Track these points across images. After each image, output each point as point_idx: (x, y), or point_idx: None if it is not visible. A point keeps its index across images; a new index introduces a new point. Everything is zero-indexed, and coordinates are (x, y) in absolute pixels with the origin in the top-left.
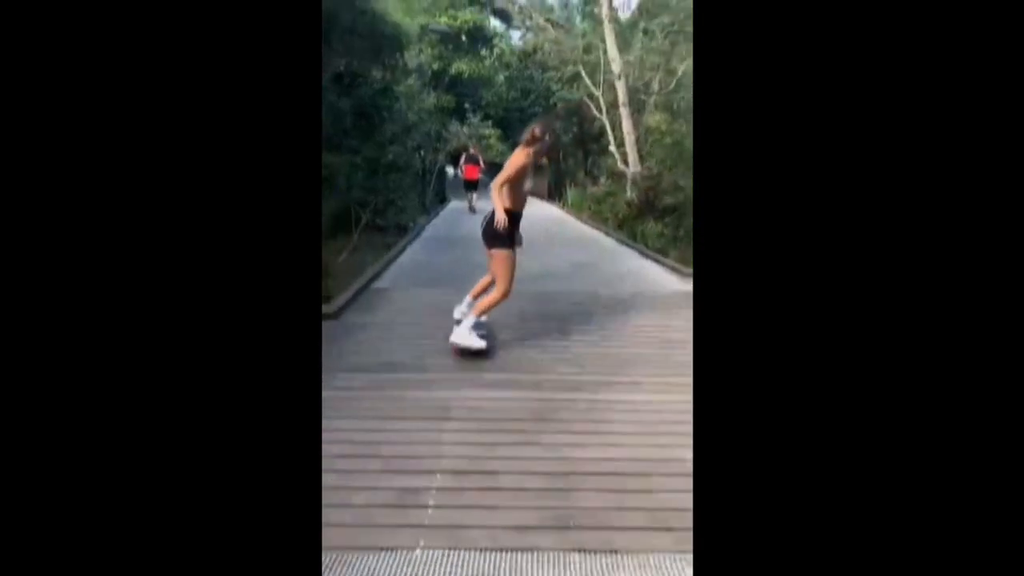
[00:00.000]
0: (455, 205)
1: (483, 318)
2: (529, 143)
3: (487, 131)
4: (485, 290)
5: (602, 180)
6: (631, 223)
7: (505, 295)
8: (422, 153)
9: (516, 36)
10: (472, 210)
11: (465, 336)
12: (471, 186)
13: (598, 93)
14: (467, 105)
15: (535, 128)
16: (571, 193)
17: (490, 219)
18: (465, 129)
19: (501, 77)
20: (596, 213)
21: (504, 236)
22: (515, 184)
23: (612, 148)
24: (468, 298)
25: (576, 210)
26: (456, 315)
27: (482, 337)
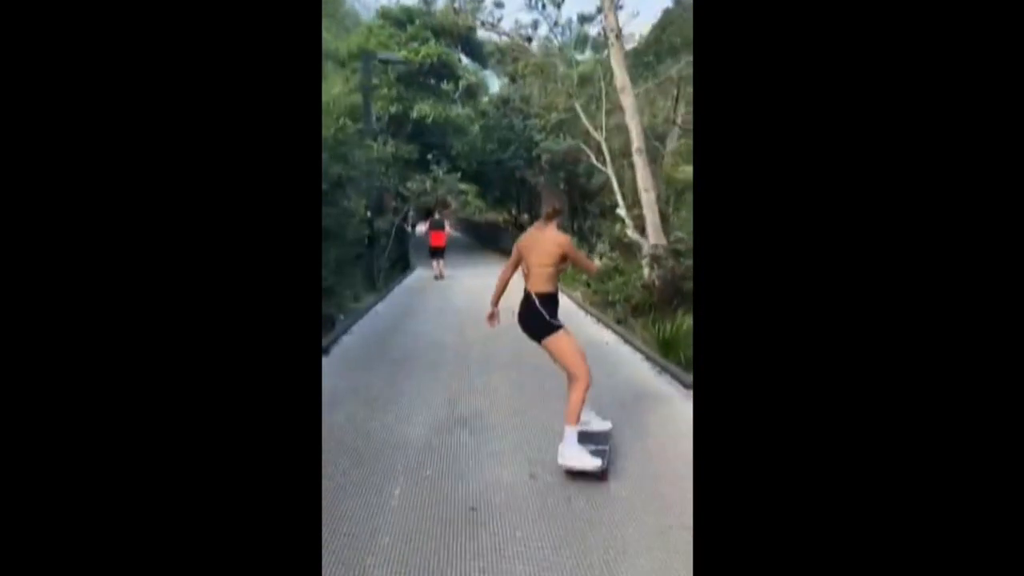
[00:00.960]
0: (421, 274)
1: (582, 421)
2: (551, 216)
3: (464, 186)
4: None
5: (601, 251)
6: (650, 314)
7: (587, 378)
8: (369, 214)
9: (494, 80)
10: (439, 277)
11: (574, 454)
12: (438, 253)
13: (600, 137)
14: (432, 156)
15: (555, 201)
16: None
17: (530, 308)
18: (431, 183)
19: (476, 127)
20: (597, 295)
21: (552, 319)
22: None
23: (621, 211)
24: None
25: (567, 287)
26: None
27: (597, 453)
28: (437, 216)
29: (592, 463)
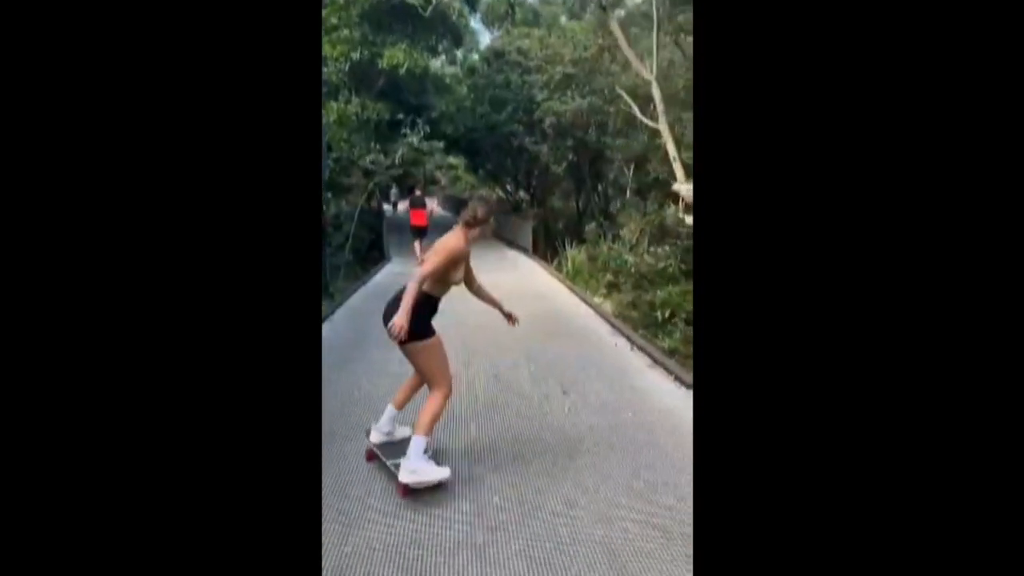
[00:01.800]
0: (397, 269)
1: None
2: (470, 224)
3: (452, 159)
4: (409, 397)
5: (615, 252)
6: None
7: (448, 393)
8: (328, 196)
9: (484, 35)
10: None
11: (419, 469)
12: (419, 233)
13: (650, 75)
14: (408, 118)
15: (479, 209)
16: (572, 255)
17: (394, 309)
18: (404, 152)
19: (464, 87)
20: (637, 309)
21: (423, 323)
22: (445, 273)
23: (682, 187)
24: (391, 410)
25: (579, 283)
26: (374, 438)
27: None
28: (418, 193)
29: (439, 474)
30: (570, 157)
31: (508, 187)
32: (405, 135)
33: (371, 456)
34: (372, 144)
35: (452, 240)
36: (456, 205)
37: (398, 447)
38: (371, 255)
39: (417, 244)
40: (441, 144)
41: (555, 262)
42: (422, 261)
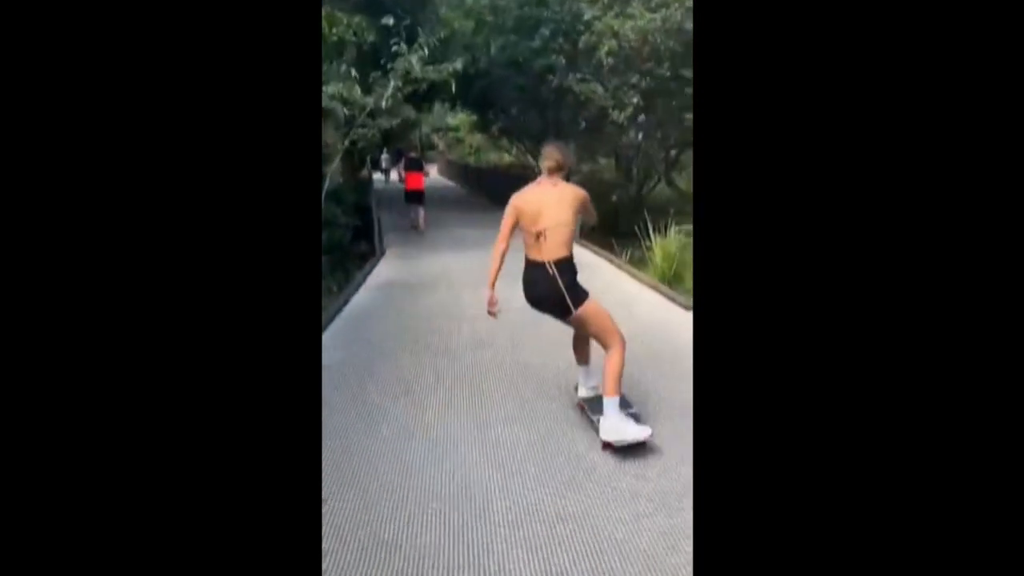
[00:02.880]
0: (388, 273)
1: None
2: (558, 169)
3: (457, 118)
4: (587, 349)
5: None
6: None
7: (623, 344)
8: None
9: None
10: (416, 227)
11: (618, 427)
12: (417, 198)
13: None
14: (395, 40)
15: (555, 152)
16: (661, 245)
17: (552, 280)
18: (390, 94)
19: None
20: None
21: (580, 285)
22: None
23: None
24: (584, 368)
25: (682, 288)
26: (582, 393)
27: (634, 415)
28: (413, 155)
29: (641, 432)
30: (635, 101)
31: (527, 149)
32: (396, 56)
33: (582, 408)
34: (346, 75)
35: (578, 188)
36: (467, 174)
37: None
38: (356, 249)
39: (419, 213)
40: (445, 71)
41: (625, 254)
42: (417, 226)
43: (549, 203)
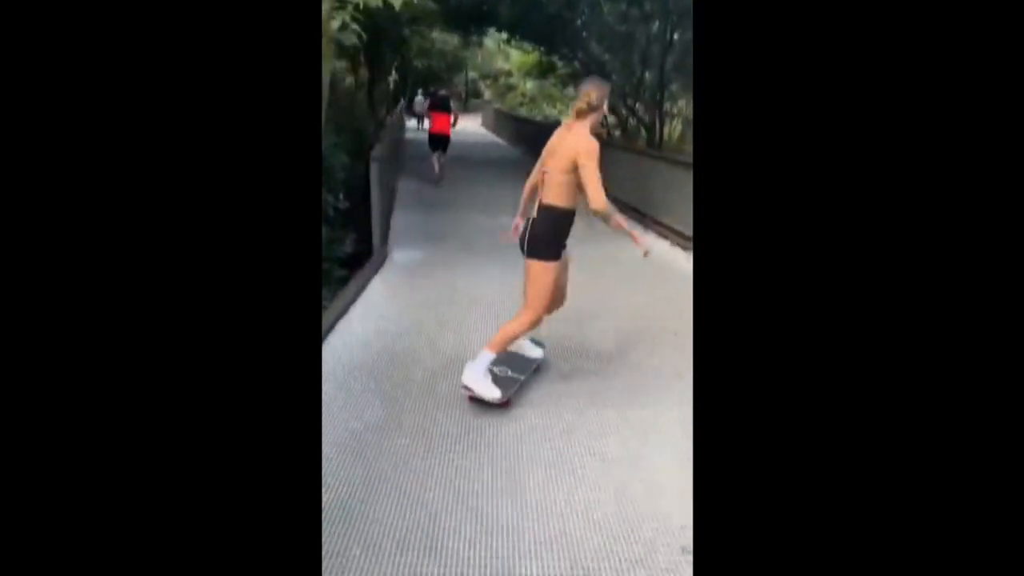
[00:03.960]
0: (377, 322)
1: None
2: (584, 114)
3: (507, 61)
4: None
5: None
6: None
7: (536, 321)
8: None
9: None
10: (438, 180)
11: (477, 378)
12: (439, 143)
13: None
14: None
15: (593, 92)
16: None
17: (538, 224)
18: None
19: None
20: None
21: (553, 242)
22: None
23: None
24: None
25: None
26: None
27: (507, 380)
28: (443, 92)
29: (491, 393)
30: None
31: (627, 102)
32: None
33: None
34: None
35: (581, 140)
36: (518, 128)
37: (514, 359)
38: (342, 252)
39: (436, 157)
40: None
41: None
42: (439, 176)
43: (555, 149)
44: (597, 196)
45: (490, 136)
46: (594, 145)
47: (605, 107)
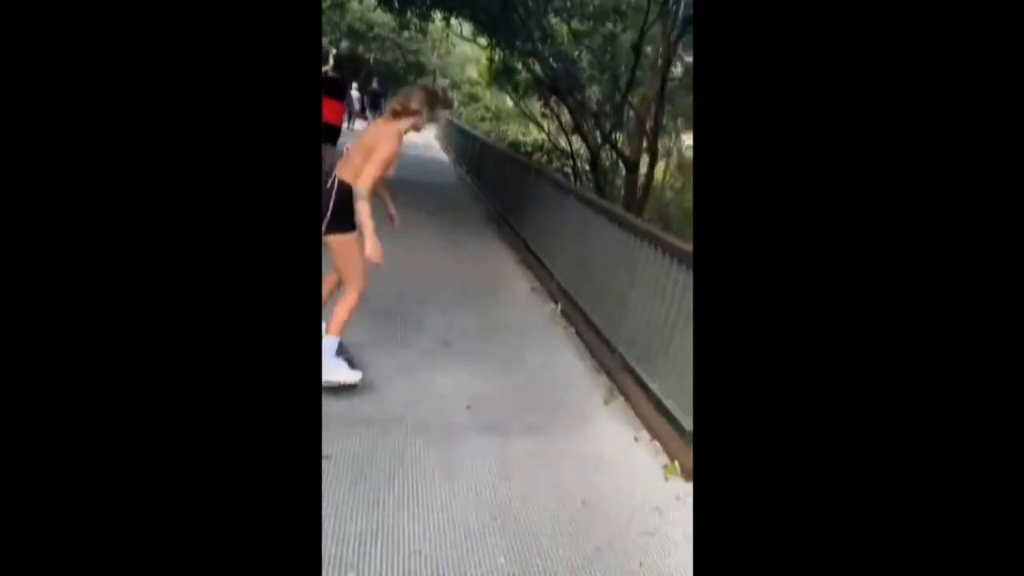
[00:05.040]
0: None
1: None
2: (399, 114)
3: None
4: (329, 295)
5: None
6: None
7: (362, 293)
8: None
9: None
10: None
11: (331, 368)
12: (329, 136)
13: None
14: None
15: (413, 95)
16: None
17: (335, 199)
18: None
19: None
20: None
21: (347, 216)
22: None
23: None
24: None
25: None
26: None
27: (351, 362)
28: (334, 75)
29: (351, 376)
30: None
31: (598, 131)
32: None
33: None
34: None
35: (387, 134)
36: (462, 144)
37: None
38: None
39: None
40: None
41: None
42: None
43: (366, 134)
44: (367, 177)
45: (438, 154)
46: (391, 144)
47: (425, 115)
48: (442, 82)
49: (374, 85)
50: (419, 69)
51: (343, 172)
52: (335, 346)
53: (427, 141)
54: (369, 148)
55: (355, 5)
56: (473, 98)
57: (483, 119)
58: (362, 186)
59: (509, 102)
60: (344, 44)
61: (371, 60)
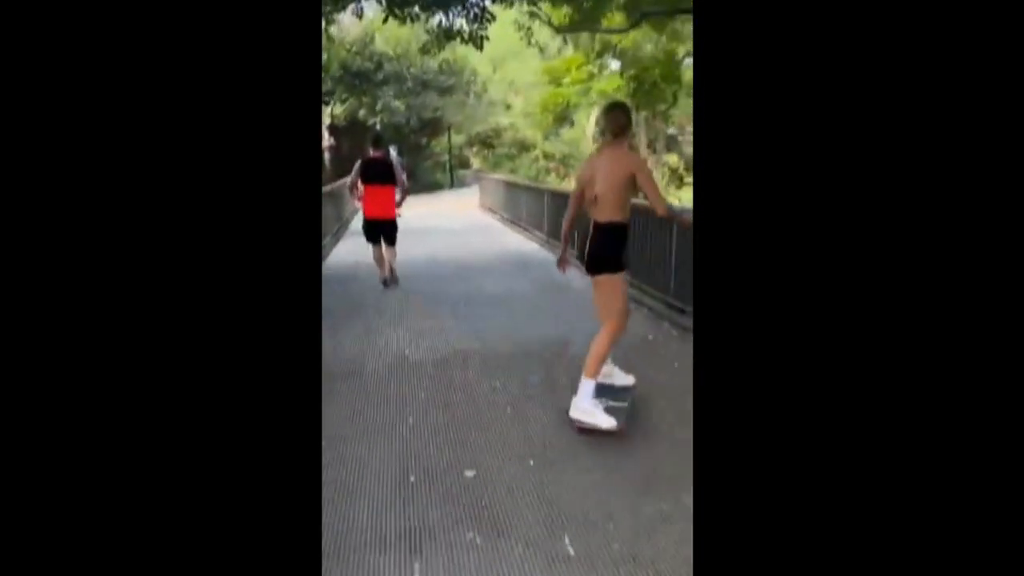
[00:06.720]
0: None
1: (605, 371)
2: (618, 134)
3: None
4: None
5: None
6: None
7: (620, 329)
8: None
9: None
10: (387, 281)
11: (587, 409)
12: (377, 231)
13: None
14: None
15: (619, 119)
16: None
17: (597, 241)
18: None
19: None
20: None
21: (613, 258)
22: (627, 192)
23: None
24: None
25: None
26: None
27: (614, 411)
28: (375, 154)
29: (607, 422)
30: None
31: None
32: None
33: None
34: None
35: (629, 156)
36: (514, 198)
37: (610, 390)
38: None
39: (376, 253)
40: None
41: None
42: (388, 278)
43: (599, 170)
44: (656, 202)
45: (490, 220)
46: (641, 159)
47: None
48: (476, 129)
49: (393, 153)
50: (434, 127)
51: (597, 215)
52: (592, 389)
53: (473, 214)
54: (622, 181)
55: (355, 31)
56: (524, 147)
57: (547, 171)
58: (664, 203)
59: (588, 134)
60: (343, 102)
61: (376, 124)
